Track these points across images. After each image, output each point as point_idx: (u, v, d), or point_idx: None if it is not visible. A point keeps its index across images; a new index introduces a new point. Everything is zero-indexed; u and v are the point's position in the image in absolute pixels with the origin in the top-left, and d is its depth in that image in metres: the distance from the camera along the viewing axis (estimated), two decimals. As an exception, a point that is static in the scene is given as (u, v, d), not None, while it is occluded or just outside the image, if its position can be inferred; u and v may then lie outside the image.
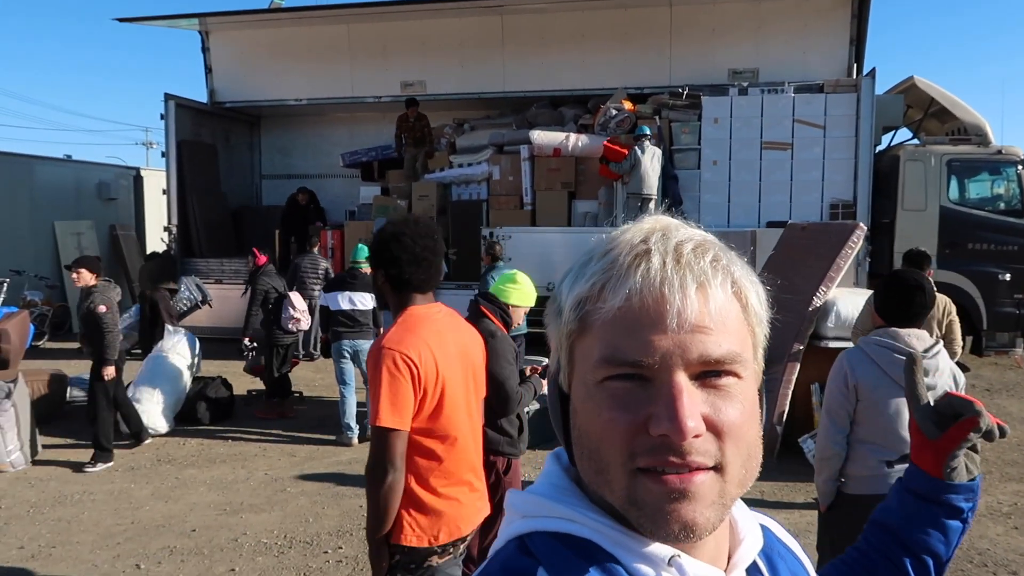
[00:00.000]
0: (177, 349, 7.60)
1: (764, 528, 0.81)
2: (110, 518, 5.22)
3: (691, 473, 0.64)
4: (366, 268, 7.13)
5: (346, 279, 7.13)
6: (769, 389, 5.80)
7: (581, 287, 0.69)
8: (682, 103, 10.76)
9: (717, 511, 0.65)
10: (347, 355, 6.97)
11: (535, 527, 0.71)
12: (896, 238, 9.95)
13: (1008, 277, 9.55)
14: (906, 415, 2.85)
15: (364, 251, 7.24)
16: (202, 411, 7.56)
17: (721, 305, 0.65)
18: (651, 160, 9.82)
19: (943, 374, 2.91)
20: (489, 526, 3.76)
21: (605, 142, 10.47)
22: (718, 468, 0.65)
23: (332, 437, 7.11)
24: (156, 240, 14.79)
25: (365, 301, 6.92)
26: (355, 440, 6.91)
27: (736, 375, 0.66)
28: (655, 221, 0.71)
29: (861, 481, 2.95)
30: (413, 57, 12.75)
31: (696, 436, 0.63)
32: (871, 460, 2.92)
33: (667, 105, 10.79)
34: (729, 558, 0.74)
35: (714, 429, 0.65)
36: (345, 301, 6.99)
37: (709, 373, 0.65)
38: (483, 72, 12.39)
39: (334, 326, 7.07)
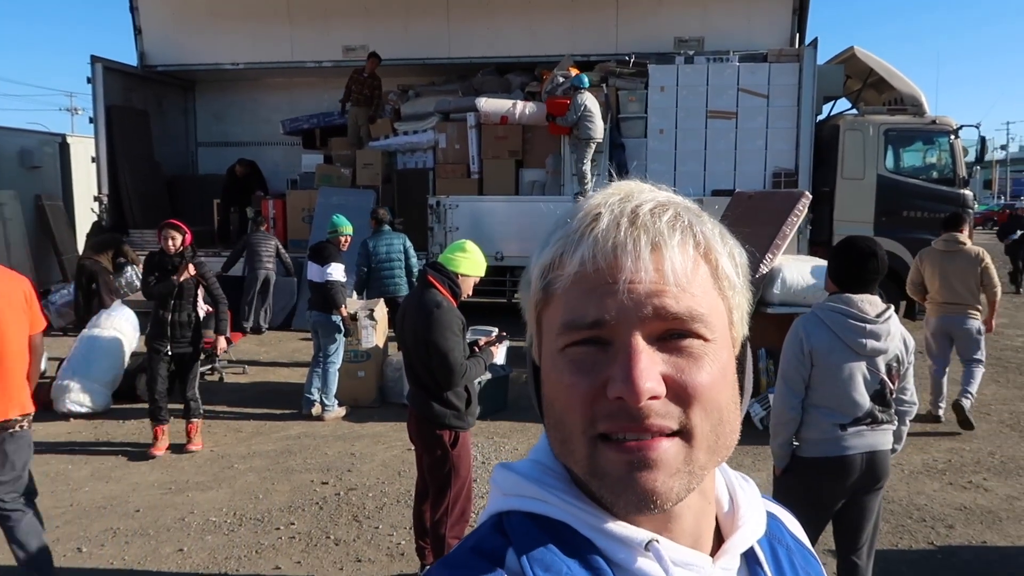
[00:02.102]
0: (114, 324, 7.31)
1: (772, 517, 0.79)
2: (47, 500, 4.99)
3: (652, 440, 0.62)
4: (339, 238, 6.97)
5: (315, 249, 6.96)
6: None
7: (545, 256, 0.68)
8: (629, 71, 10.75)
9: (682, 480, 0.63)
10: (310, 327, 6.87)
11: (512, 506, 0.69)
12: (836, 206, 10.20)
13: (940, 243, 9.88)
14: (859, 379, 2.93)
15: (334, 221, 7.06)
16: (142, 388, 7.29)
17: (679, 266, 0.63)
18: (592, 104, 9.90)
19: (894, 338, 2.97)
20: (437, 501, 3.74)
21: (546, 100, 10.44)
22: (683, 433, 0.63)
23: (279, 412, 6.98)
24: (86, 211, 14.15)
25: (319, 273, 6.72)
26: (312, 411, 6.81)
27: (700, 337, 0.63)
28: (619, 186, 0.70)
29: (815, 444, 3.01)
30: (355, 21, 12.39)
31: (653, 397, 0.61)
32: (825, 423, 2.98)
33: (614, 73, 10.77)
34: (723, 543, 0.72)
35: (678, 391, 0.62)
36: (308, 272, 6.88)
37: (671, 335, 0.63)
38: (428, 37, 12.14)
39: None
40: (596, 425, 0.63)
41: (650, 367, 0.61)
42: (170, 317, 5.78)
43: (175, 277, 5.75)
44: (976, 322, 6.33)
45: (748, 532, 0.72)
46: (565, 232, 0.67)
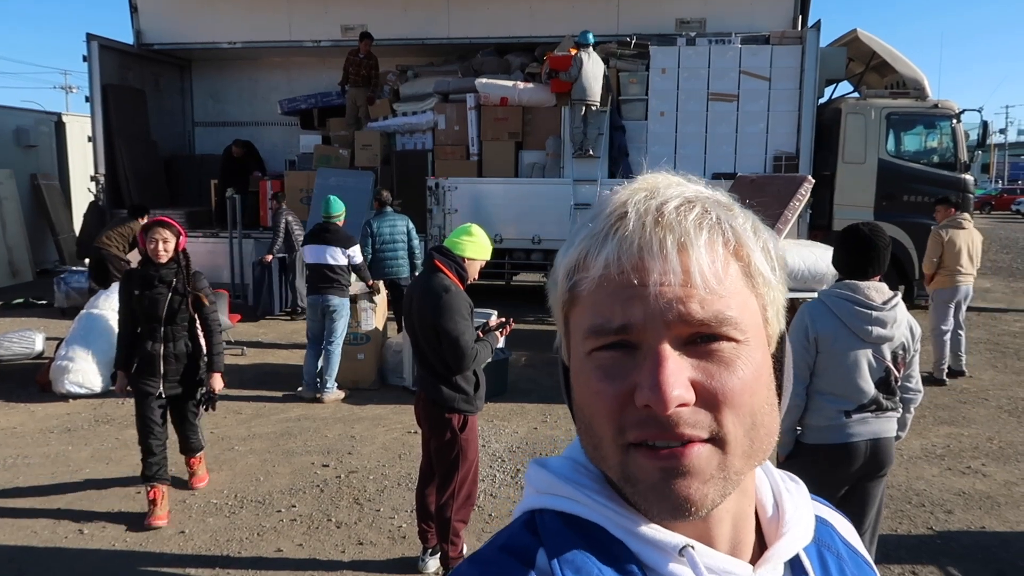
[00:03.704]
0: (112, 305, 7.27)
1: (822, 522, 0.76)
2: (47, 482, 5.01)
3: (685, 447, 0.60)
4: (340, 221, 6.98)
5: (319, 232, 6.92)
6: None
7: (570, 256, 0.66)
8: (630, 52, 10.67)
9: (717, 486, 0.61)
10: (316, 310, 6.84)
11: (545, 504, 0.68)
12: (836, 190, 10.17)
13: (940, 228, 9.87)
14: (865, 366, 2.92)
15: (338, 204, 7.04)
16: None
17: (707, 267, 0.61)
18: (593, 66, 9.93)
19: (900, 325, 2.97)
20: (444, 484, 3.74)
21: (547, 55, 10.37)
22: (716, 440, 0.61)
23: (279, 394, 6.97)
24: (82, 190, 14.06)
25: (336, 256, 6.74)
26: (315, 395, 6.80)
27: (731, 339, 0.61)
28: (644, 180, 0.67)
29: (819, 431, 3.01)
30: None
31: (682, 405, 0.59)
32: (829, 410, 2.98)
33: (615, 54, 10.68)
34: (765, 550, 0.69)
35: (708, 397, 0.60)
36: (317, 255, 6.83)
37: (700, 338, 0.61)
38: (427, 17, 12.02)
39: (308, 280, 6.97)
40: (626, 434, 0.61)
41: (678, 374, 0.59)
42: (162, 349, 4.42)
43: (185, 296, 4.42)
44: None
45: (793, 539, 0.69)
46: (590, 231, 0.65)
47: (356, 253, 6.91)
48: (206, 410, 4.43)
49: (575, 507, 0.67)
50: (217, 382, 4.59)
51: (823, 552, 0.73)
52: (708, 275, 0.60)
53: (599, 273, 0.62)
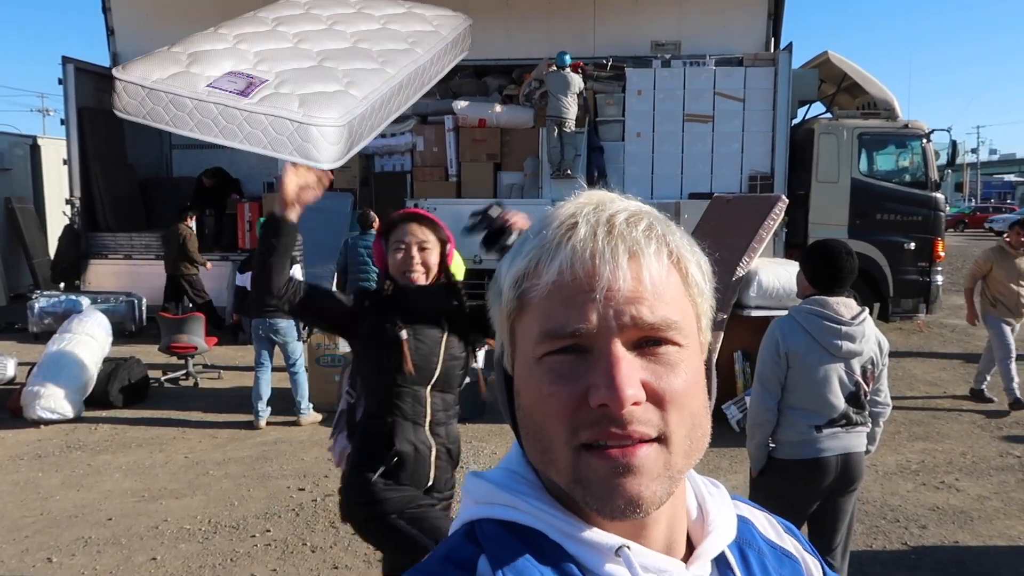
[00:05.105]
0: (85, 329, 7.19)
1: (743, 520, 0.80)
2: (16, 510, 4.92)
3: (634, 446, 0.63)
4: None
5: None
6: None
7: (519, 265, 0.68)
8: (606, 74, 10.80)
9: (663, 484, 0.64)
10: (262, 335, 6.75)
11: (484, 514, 0.70)
12: (811, 209, 10.29)
13: (913, 246, 10.02)
14: (835, 381, 2.95)
15: None
16: (114, 394, 7.18)
17: (655, 274, 0.65)
18: (559, 87, 10.13)
19: (869, 340, 3.00)
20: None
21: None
22: (662, 439, 0.64)
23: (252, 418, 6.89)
24: (57, 214, 13.91)
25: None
26: (262, 423, 6.62)
27: (675, 343, 0.65)
28: (590, 195, 0.71)
29: (791, 446, 3.03)
30: (332, 23, 12.30)
31: (635, 404, 0.62)
32: (800, 425, 3.00)
33: (591, 76, 10.80)
34: (694, 549, 0.73)
35: (655, 397, 0.64)
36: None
37: (647, 341, 0.64)
38: (405, 40, 12.08)
39: (251, 306, 6.90)
40: (579, 434, 0.63)
41: (631, 374, 0.62)
42: (434, 444, 2.51)
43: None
44: None
45: (718, 538, 0.73)
46: (540, 241, 0.67)
47: (296, 270, 6.79)
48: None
49: (514, 514, 0.68)
50: None
51: (744, 548, 0.77)
52: (657, 282, 0.64)
53: (552, 279, 0.64)
